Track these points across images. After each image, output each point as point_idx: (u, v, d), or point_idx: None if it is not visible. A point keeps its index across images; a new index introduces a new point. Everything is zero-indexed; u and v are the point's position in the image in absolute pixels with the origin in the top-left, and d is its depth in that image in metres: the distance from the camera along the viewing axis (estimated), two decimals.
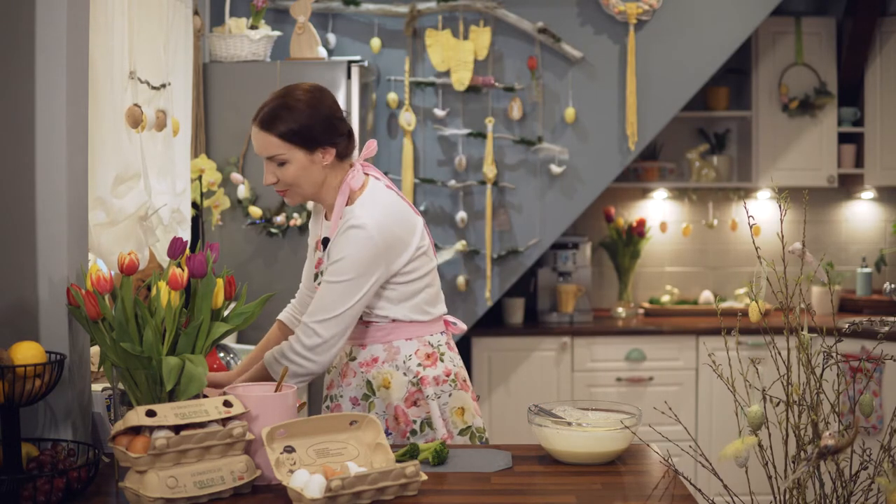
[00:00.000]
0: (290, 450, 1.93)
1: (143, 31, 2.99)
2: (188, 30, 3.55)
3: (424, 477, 1.93)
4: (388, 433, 2.43)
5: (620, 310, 5.07)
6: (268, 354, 2.37)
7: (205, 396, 2.13)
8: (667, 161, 5.26)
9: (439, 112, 4.47)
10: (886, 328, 1.95)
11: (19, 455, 1.90)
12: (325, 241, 2.45)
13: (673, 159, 5.30)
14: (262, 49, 3.99)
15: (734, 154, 5.32)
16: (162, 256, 3.06)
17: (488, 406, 4.68)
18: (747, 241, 5.33)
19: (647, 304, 5.21)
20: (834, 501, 1.69)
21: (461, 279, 4.51)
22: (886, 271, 5.25)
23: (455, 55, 4.43)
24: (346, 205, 2.40)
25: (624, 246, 5.16)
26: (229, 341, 3.53)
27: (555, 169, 4.47)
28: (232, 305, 2.17)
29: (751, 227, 1.85)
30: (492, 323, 4.84)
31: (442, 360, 2.47)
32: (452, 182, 4.49)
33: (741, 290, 5.27)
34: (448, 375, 2.46)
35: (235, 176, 3.82)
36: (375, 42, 4.45)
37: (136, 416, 1.82)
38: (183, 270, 2.00)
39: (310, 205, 3.40)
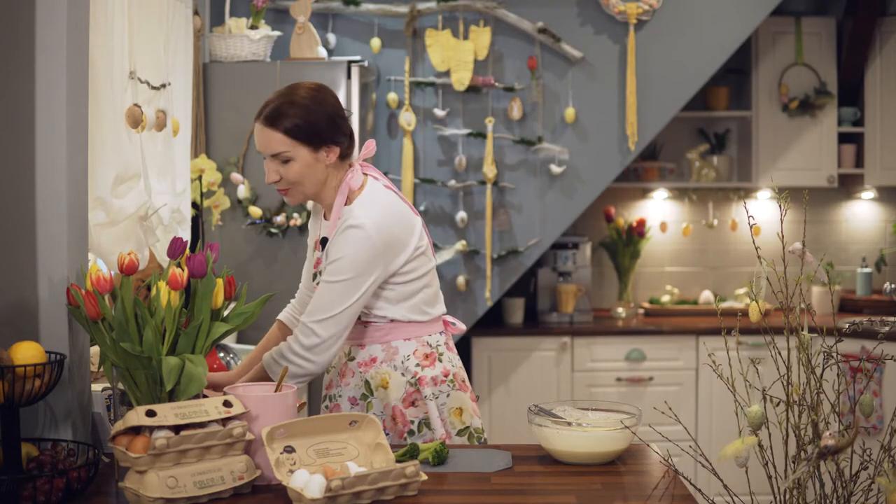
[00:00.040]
0: (290, 450, 1.93)
1: (143, 31, 2.99)
2: (188, 30, 3.55)
3: (424, 477, 1.93)
4: (385, 433, 2.42)
5: (620, 310, 5.07)
6: (266, 356, 2.37)
7: (205, 396, 2.13)
8: (667, 161, 5.26)
9: (439, 112, 4.47)
10: (886, 328, 1.95)
11: (19, 455, 1.90)
12: (324, 241, 2.45)
13: (673, 159, 5.30)
14: (262, 49, 3.99)
15: (734, 154, 5.32)
16: (162, 256, 3.06)
17: (488, 406, 4.68)
18: (747, 241, 5.33)
19: (647, 304, 5.21)
20: (834, 501, 1.69)
21: (461, 279, 4.51)
22: (886, 271, 5.25)
23: (455, 55, 4.43)
24: (345, 205, 2.40)
25: (624, 246, 5.16)
26: (229, 341, 3.54)
27: (555, 169, 4.47)
28: (232, 305, 2.17)
29: (751, 227, 1.85)
30: (492, 323, 4.84)
31: (440, 361, 2.47)
32: (452, 182, 4.49)
33: (741, 290, 5.27)
34: (446, 376, 2.46)
35: (235, 176, 3.82)
36: (375, 42, 4.45)
37: (136, 416, 1.82)
38: (183, 270, 2.00)
39: (309, 204, 3.40)
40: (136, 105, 2.83)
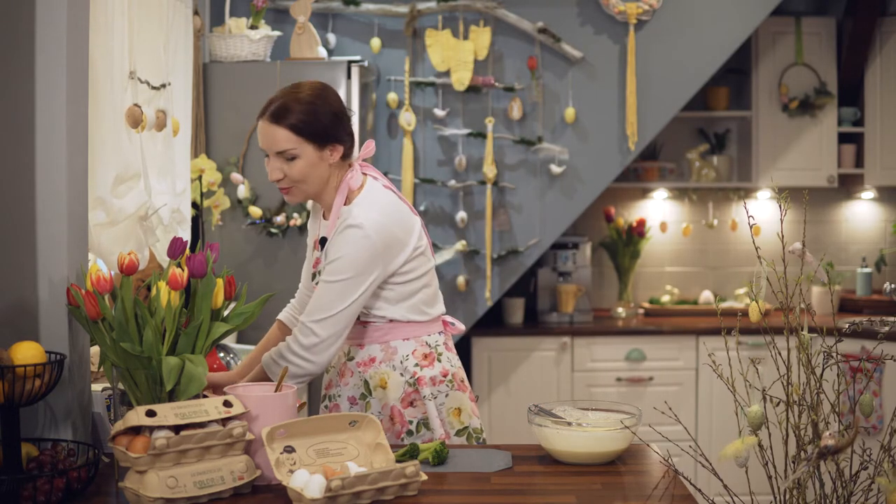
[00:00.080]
0: (290, 450, 1.93)
1: (143, 31, 2.99)
2: (188, 30, 3.55)
3: (424, 477, 1.93)
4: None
5: (620, 310, 5.07)
6: (265, 356, 2.37)
7: (205, 396, 2.13)
8: (667, 161, 5.26)
9: (439, 112, 4.47)
10: (886, 328, 1.95)
11: (19, 455, 1.90)
12: (323, 241, 2.45)
13: (673, 159, 5.30)
14: (262, 49, 3.99)
15: (734, 154, 5.32)
16: (162, 256, 3.06)
17: (488, 406, 4.68)
18: (747, 241, 5.33)
19: (647, 304, 5.21)
20: (834, 501, 1.69)
21: (461, 279, 4.51)
22: (886, 271, 5.25)
23: (455, 55, 4.43)
24: (344, 204, 2.40)
25: (624, 246, 5.16)
26: (229, 341, 3.54)
27: (555, 169, 4.47)
28: (232, 305, 2.17)
29: (751, 227, 1.85)
30: (492, 323, 4.84)
31: (439, 361, 2.46)
32: (452, 182, 4.49)
33: (741, 290, 5.27)
34: (445, 376, 2.46)
35: (235, 176, 3.82)
36: (375, 42, 4.45)
37: (136, 416, 1.82)
38: (183, 270, 2.00)
39: (309, 204, 3.40)
40: (136, 105, 2.83)
